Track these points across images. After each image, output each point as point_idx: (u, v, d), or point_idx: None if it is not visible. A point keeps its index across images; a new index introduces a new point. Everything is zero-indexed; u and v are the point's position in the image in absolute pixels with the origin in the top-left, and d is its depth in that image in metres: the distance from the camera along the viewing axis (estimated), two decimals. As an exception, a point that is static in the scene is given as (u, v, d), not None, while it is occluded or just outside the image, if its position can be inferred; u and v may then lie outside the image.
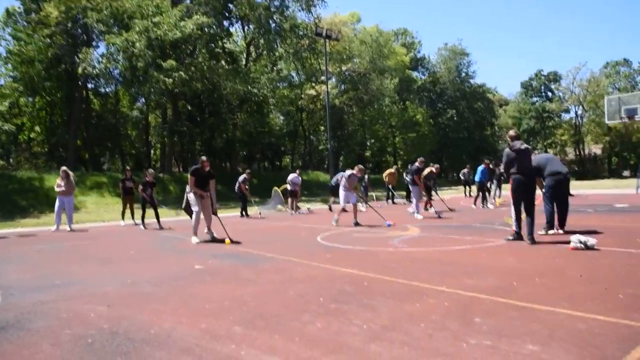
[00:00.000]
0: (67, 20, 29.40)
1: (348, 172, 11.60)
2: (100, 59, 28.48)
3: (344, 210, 11.77)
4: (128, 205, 13.75)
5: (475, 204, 16.20)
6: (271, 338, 3.22)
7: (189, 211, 9.14)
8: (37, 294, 4.77)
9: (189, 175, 8.86)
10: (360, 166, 11.80)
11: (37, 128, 34.61)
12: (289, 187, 16.67)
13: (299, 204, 17.05)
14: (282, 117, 47.18)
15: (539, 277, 4.88)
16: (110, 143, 37.48)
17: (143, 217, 12.44)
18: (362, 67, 42.15)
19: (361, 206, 15.32)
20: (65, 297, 4.63)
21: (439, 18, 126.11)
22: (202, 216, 8.96)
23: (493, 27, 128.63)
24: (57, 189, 12.36)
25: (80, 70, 26.72)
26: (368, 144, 52.00)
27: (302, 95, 40.03)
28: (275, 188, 19.18)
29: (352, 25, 44.84)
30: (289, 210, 16.76)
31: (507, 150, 7.52)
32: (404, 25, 71.89)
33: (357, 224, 10.98)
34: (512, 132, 7.71)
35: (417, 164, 13.31)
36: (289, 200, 16.72)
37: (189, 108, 33.79)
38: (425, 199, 14.29)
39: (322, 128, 46.74)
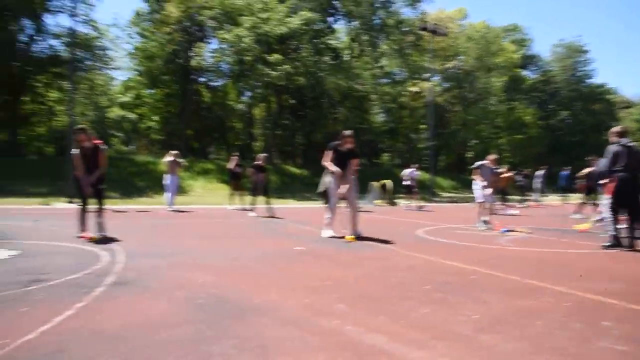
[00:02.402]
0: (185, 18, 31.64)
1: (478, 162, 9.98)
2: (212, 54, 30.26)
3: (483, 207, 9.77)
4: (235, 190, 14.18)
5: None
6: (375, 318, 3.12)
7: (326, 197, 7.80)
8: (153, 260, 5.11)
9: (327, 151, 7.47)
10: (495, 156, 10.12)
11: (155, 118, 37.67)
12: (406, 182, 16.38)
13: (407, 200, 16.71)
14: (382, 114, 46.80)
15: (677, 287, 4.29)
16: (217, 134, 39.71)
17: (253, 202, 12.17)
18: (467, 64, 40.53)
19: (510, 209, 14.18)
20: (177, 265, 4.91)
21: (553, 13, 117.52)
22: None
23: (616, 22, 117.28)
24: (167, 160, 13.13)
25: (194, 63, 28.57)
26: (470, 144, 49.91)
27: (404, 92, 39.35)
28: (373, 183, 19.06)
29: (458, 21, 43.24)
30: (412, 204, 16.41)
31: (613, 146, 6.69)
32: (515, 22, 67.75)
33: (485, 222, 9.47)
34: (618, 129, 6.88)
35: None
36: (412, 194, 16.48)
37: (292, 102, 34.72)
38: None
39: (423, 126, 45.70)
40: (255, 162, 12.52)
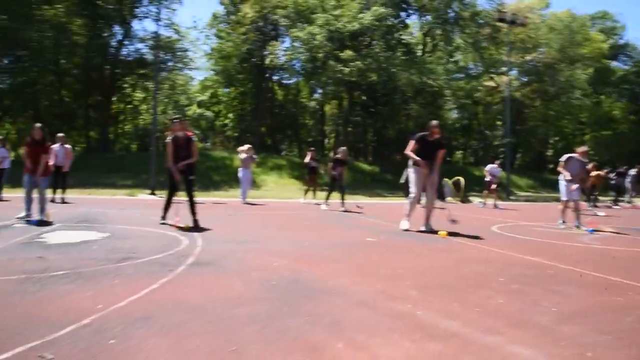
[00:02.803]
0: (259, 18, 32.59)
1: (566, 155, 8.98)
2: (284, 52, 30.91)
3: (566, 206, 8.86)
4: (311, 184, 14.20)
5: None
6: (448, 305, 3.09)
7: (407, 189, 7.61)
8: (229, 245, 5.34)
9: (411, 142, 7.17)
10: (585, 148, 9.08)
11: (230, 115, 39.15)
12: (487, 177, 15.65)
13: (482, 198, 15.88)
14: (456, 110, 45.49)
15: None
16: (289, 131, 40.50)
17: (328, 195, 11.88)
18: (549, 56, 38.34)
19: (596, 210, 12.98)
20: (252, 250, 5.10)
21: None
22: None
23: None
24: (241, 156, 13.53)
25: (268, 61, 29.33)
26: (551, 141, 47.23)
27: (479, 87, 37.98)
28: (445, 180, 18.60)
29: (539, 11, 40.98)
30: (487, 201, 15.64)
31: None
32: (604, 8, 62.92)
33: (578, 227, 8.41)
34: None
35: None
36: (484, 192, 15.77)
37: (364, 98, 34.67)
38: None
39: (499, 122, 43.93)
40: (336, 156, 12.36)
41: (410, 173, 7.26)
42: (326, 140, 44.26)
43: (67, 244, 5.15)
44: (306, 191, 14.46)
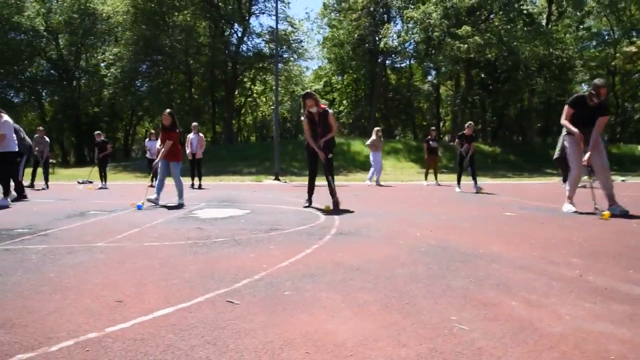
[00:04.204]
0: (370, 3, 32.44)
1: None
2: (398, 35, 30.45)
3: None
4: (432, 166, 13.65)
5: None
6: (623, 272, 2.82)
7: (563, 164, 6.23)
8: (366, 218, 5.41)
9: (565, 107, 5.92)
10: None
11: (344, 102, 39.62)
12: None
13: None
14: (587, 83, 41.38)
15: None
16: (403, 115, 39.92)
17: (459, 177, 10.94)
18: None
19: None
20: (391, 222, 5.11)
21: None
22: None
23: None
24: (368, 143, 13.67)
25: (381, 45, 29.13)
26: None
27: (616, 55, 34.10)
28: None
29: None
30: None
31: None
32: None
33: None
34: None
35: None
36: None
37: (482, 76, 33.01)
38: None
39: (641, 93, 39.15)
40: (463, 132, 11.09)
41: (567, 141, 6.03)
42: (442, 124, 42.94)
43: (217, 218, 5.60)
44: (426, 174, 14.15)
